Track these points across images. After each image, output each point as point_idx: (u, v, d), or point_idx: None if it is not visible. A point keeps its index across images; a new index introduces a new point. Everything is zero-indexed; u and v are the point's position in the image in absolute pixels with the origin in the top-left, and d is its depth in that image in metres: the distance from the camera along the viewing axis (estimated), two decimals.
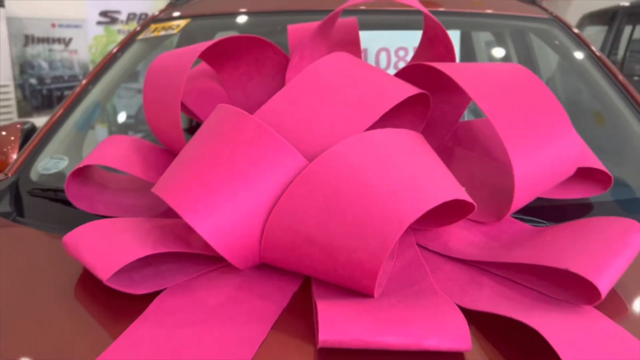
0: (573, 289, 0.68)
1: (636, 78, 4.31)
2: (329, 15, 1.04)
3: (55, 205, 1.07)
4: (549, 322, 0.60)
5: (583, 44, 1.51)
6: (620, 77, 1.40)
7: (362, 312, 0.60)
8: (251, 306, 0.67)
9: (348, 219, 0.64)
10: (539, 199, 0.92)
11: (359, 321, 0.59)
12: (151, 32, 1.62)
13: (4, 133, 1.53)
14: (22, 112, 6.43)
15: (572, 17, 6.01)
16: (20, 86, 6.50)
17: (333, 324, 0.58)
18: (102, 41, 4.65)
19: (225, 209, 0.68)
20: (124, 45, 1.58)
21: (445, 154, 0.99)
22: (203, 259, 0.76)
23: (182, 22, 1.61)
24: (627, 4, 4.56)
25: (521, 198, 0.81)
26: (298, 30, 1.19)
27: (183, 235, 0.77)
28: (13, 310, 0.72)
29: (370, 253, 0.62)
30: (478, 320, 0.65)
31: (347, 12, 1.30)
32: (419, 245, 0.81)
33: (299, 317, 0.66)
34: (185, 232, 0.79)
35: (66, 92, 6.83)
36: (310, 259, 0.68)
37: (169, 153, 1.02)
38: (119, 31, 4.62)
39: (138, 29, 1.66)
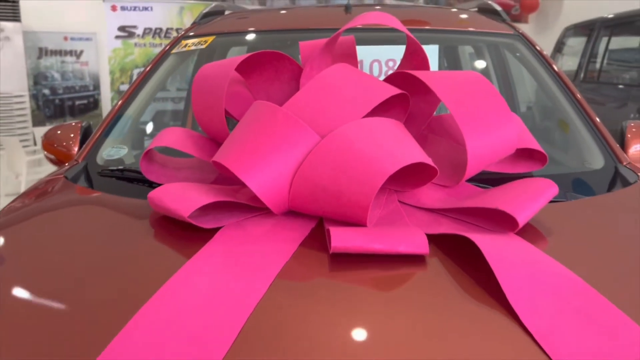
0: (502, 223, 1.00)
1: (621, 86, 4.57)
2: (333, 35, 1.36)
3: (119, 183, 1.39)
4: (482, 238, 0.92)
5: (541, 56, 1.84)
6: (568, 82, 1.72)
7: (358, 232, 0.92)
8: (283, 235, 0.99)
9: (348, 174, 0.96)
10: (492, 172, 1.24)
11: (356, 236, 0.91)
12: (182, 47, 1.95)
13: (59, 132, 1.85)
14: (36, 121, 6.76)
15: (566, 17, 6.33)
16: (34, 96, 6.84)
17: (340, 237, 0.90)
18: (120, 53, 5.00)
19: (266, 170, 1.00)
20: (162, 58, 1.91)
21: (422, 138, 1.31)
22: (248, 208, 1.07)
23: (209, 38, 1.94)
24: (611, 15, 4.88)
25: (472, 169, 1.13)
26: (308, 45, 1.52)
27: (232, 192, 1.09)
28: (116, 245, 1.04)
29: (363, 195, 0.94)
30: (436, 242, 0.97)
31: (346, 30, 1.62)
32: (399, 201, 1.13)
33: (316, 240, 0.98)
34: (233, 191, 1.11)
35: (77, 102, 7.19)
36: (323, 204, 1.00)
37: (212, 140, 1.34)
38: (135, 44, 4.97)
39: (167, 47, 1.98)
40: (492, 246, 0.89)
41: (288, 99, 1.17)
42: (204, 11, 2.25)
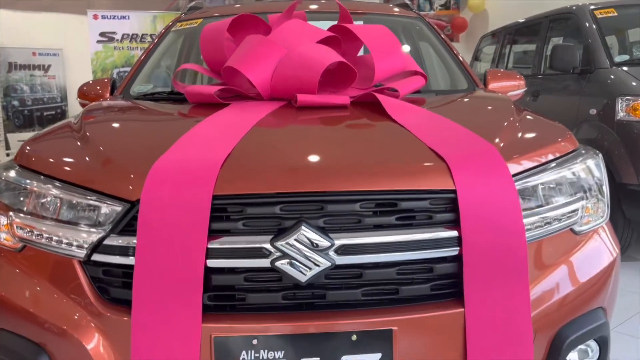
0: (394, 94, 1.77)
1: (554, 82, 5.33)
2: (290, 5, 2.12)
3: (149, 102, 2.08)
4: (380, 96, 1.67)
5: (434, 30, 2.66)
6: (452, 45, 2.55)
7: (312, 95, 1.67)
8: (269, 105, 1.71)
9: (304, 68, 1.71)
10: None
11: (311, 97, 1.65)
12: (179, 26, 2.67)
13: (85, 88, 2.51)
14: (7, 130, 7.22)
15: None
16: (4, 108, 7.29)
17: (302, 97, 1.64)
18: (102, 56, 5.63)
19: (258, 69, 1.74)
20: (164, 34, 2.62)
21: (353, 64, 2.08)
22: (246, 97, 1.80)
23: (199, 20, 2.66)
24: (522, 20, 5.79)
25: (377, 77, 1.90)
26: (275, 16, 2.27)
27: (237, 88, 1.82)
28: (171, 113, 1.74)
29: (313, 77, 1.69)
30: (355, 104, 1.72)
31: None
32: None
33: (289, 106, 1.71)
34: (239, 89, 1.83)
35: (45, 113, 7.67)
36: (292, 87, 1.73)
37: (212, 71, 2.06)
38: (115, 48, 5.61)
39: (163, 31, 2.68)
40: (385, 99, 1.66)
41: None
42: (190, 5, 2.97)
